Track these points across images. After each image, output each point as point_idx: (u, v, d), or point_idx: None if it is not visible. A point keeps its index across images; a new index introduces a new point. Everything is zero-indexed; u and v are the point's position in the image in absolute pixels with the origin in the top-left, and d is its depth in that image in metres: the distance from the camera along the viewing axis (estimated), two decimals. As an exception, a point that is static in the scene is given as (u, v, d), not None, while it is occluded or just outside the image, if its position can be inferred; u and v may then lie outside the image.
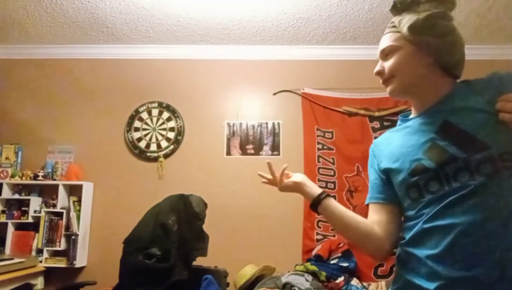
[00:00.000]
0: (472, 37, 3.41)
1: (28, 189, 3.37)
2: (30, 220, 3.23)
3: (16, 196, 3.32)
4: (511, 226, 0.88)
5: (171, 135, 3.54)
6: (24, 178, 3.36)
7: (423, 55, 1.04)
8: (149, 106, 3.60)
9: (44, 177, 3.36)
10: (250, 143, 3.52)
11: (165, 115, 3.58)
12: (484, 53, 3.59)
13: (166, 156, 3.51)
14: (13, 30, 3.34)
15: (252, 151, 3.50)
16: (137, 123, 3.56)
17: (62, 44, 3.59)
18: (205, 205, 2.53)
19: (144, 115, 3.58)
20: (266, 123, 3.55)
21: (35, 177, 3.34)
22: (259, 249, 3.31)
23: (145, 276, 2.19)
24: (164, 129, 3.56)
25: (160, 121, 3.57)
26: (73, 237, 3.21)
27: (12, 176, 3.37)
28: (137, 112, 3.58)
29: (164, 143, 3.53)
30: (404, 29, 1.04)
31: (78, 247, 3.20)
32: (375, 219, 1.11)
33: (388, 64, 1.08)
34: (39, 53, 3.66)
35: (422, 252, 0.96)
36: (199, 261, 2.39)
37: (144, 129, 3.56)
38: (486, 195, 0.90)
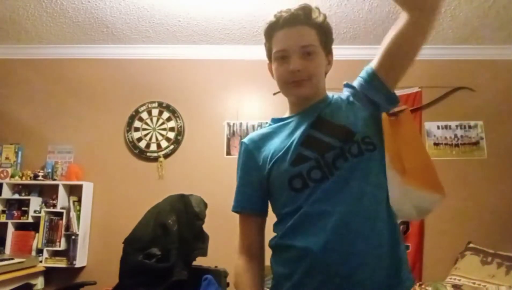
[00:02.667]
0: (472, 37, 3.41)
1: (28, 189, 3.37)
2: (30, 220, 3.24)
3: (16, 196, 3.33)
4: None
5: (171, 135, 3.54)
6: (24, 178, 3.36)
7: (325, 59, 1.08)
8: (149, 106, 3.60)
9: (44, 177, 3.36)
10: (250, 143, 3.52)
11: (165, 115, 3.58)
12: (484, 53, 3.59)
13: (166, 156, 3.51)
14: (13, 30, 3.34)
15: (252, 151, 3.50)
16: (137, 123, 3.56)
17: (62, 44, 3.59)
18: (205, 205, 2.54)
19: (144, 115, 3.58)
20: (266, 123, 3.54)
21: (35, 177, 3.34)
22: (259, 249, 3.30)
23: (145, 276, 2.19)
24: (164, 129, 3.56)
25: (160, 121, 3.57)
26: (73, 237, 3.21)
27: (12, 176, 3.37)
28: (137, 112, 3.58)
29: (164, 143, 3.53)
30: (318, 30, 1.04)
31: (78, 247, 3.20)
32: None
33: (308, 65, 1.02)
34: (39, 53, 3.66)
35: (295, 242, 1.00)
36: (199, 261, 2.39)
37: (144, 129, 3.56)
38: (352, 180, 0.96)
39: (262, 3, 2.91)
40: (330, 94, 1.12)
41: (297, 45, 1.02)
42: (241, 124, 3.55)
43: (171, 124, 3.56)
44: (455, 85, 3.55)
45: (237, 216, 1.19)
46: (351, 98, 1.08)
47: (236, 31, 3.36)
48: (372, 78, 1.02)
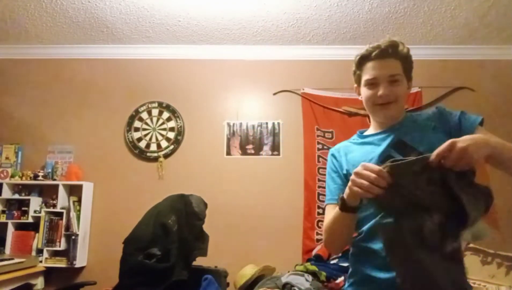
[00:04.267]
0: (472, 37, 3.41)
1: (28, 189, 3.37)
2: (30, 220, 3.24)
3: (16, 196, 3.33)
4: None
5: (171, 135, 3.54)
6: (24, 178, 3.36)
7: (406, 85, 1.26)
8: (149, 106, 3.60)
9: (44, 177, 3.36)
10: (250, 143, 3.52)
11: (165, 115, 3.58)
12: (484, 53, 3.59)
13: (166, 156, 3.51)
14: (13, 30, 3.34)
15: (252, 151, 3.50)
16: (137, 123, 3.56)
17: (62, 44, 3.59)
18: (205, 205, 2.53)
19: (144, 115, 3.58)
20: (266, 123, 3.55)
21: (35, 177, 3.34)
22: (259, 249, 3.31)
23: (145, 276, 2.19)
24: (164, 129, 3.56)
25: (160, 121, 3.57)
26: (73, 237, 3.21)
27: (12, 176, 3.37)
28: (137, 112, 3.58)
29: (164, 143, 3.53)
30: (402, 62, 1.24)
31: (78, 247, 3.20)
32: None
33: (395, 90, 1.21)
34: (39, 53, 3.66)
35: (377, 245, 1.10)
36: (199, 261, 2.39)
37: (144, 129, 3.56)
38: None
39: (262, 3, 2.91)
40: (412, 113, 1.29)
41: (386, 75, 1.21)
42: (241, 124, 3.55)
43: (171, 124, 3.56)
44: (455, 85, 3.56)
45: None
46: (433, 125, 1.20)
47: (236, 31, 3.36)
48: (469, 134, 1.08)
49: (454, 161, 0.91)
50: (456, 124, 1.16)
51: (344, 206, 1.07)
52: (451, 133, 1.14)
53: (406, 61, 1.25)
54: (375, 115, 1.28)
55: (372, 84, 1.22)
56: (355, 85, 1.34)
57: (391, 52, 1.22)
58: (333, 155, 1.33)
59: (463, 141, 0.92)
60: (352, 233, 1.19)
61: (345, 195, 1.06)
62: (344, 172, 1.25)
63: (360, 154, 1.23)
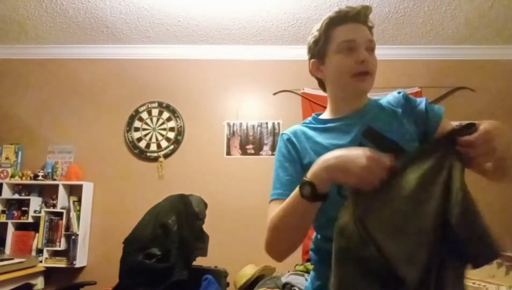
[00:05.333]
0: (472, 37, 3.41)
1: (28, 189, 3.37)
2: (30, 220, 3.23)
3: (16, 196, 3.32)
4: None
5: (171, 135, 3.54)
6: (24, 178, 3.36)
7: None
8: (149, 106, 3.60)
9: (44, 177, 3.36)
10: (250, 143, 3.52)
11: (165, 115, 3.58)
12: (485, 53, 3.59)
13: (166, 156, 3.51)
14: (13, 30, 3.34)
15: (252, 151, 3.50)
16: (137, 123, 3.56)
17: (62, 44, 3.59)
18: (205, 205, 2.53)
19: (144, 115, 3.58)
20: (266, 123, 3.55)
21: (35, 177, 3.34)
22: (259, 249, 3.28)
23: (145, 276, 2.19)
24: (164, 129, 3.56)
25: (160, 121, 3.57)
26: (73, 237, 3.21)
27: (12, 176, 3.37)
28: (137, 112, 3.58)
29: (164, 143, 3.53)
30: (372, 34, 1.09)
31: (78, 247, 3.20)
32: None
33: (372, 60, 1.04)
34: (39, 53, 3.66)
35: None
36: (199, 261, 2.39)
37: (144, 129, 3.56)
38: None
39: (262, 3, 2.91)
40: (373, 98, 1.12)
41: (365, 38, 1.04)
42: (241, 124, 3.55)
43: (171, 124, 3.56)
44: (455, 85, 3.56)
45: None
46: (400, 111, 1.05)
47: (236, 31, 3.36)
48: (435, 126, 1.02)
49: (482, 152, 0.81)
50: (422, 113, 1.04)
51: (313, 193, 0.84)
52: (417, 122, 1.03)
53: (372, 34, 1.09)
54: (347, 88, 1.06)
55: (349, 48, 1.02)
56: (313, 60, 1.12)
57: (365, 19, 1.08)
58: (289, 140, 1.08)
59: (493, 129, 0.81)
60: (308, 229, 0.93)
61: (314, 180, 0.84)
62: (305, 162, 1.02)
63: (325, 142, 1.03)
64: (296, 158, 1.05)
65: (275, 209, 0.96)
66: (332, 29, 1.06)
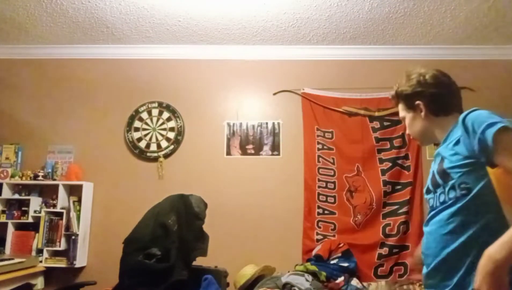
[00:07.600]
0: (472, 37, 3.41)
1: (28, 189, 3.37)
2: (30, 220, 3.23)
3: (16, 196, 3.32)
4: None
5: (171, 135, 3.54)
6: (24, 178, 3.36)
7: (418, 114, 1.39)
8: (149, 106, 3.60)
9: (44, 177, 3.36)
10: (250, 143, 3.52)
11: (165, 115, 3.58)
12: (485, 53, 3.59)
13: (166, 156, 3.51)
14: (13, 30, 3.34)
15: (252, 151, 3.50)
16: (137, 123, 3.56)
17: (62, 44, 3.59)
18: (205, 205, 2.53)
19: (144, 115, 3.58)
20: (266, 123, 3.55)
21: (35, 177, 3.34)
22: (259, 249, 3.31)
23: (145, 276, 2.19)
24: (164, 129, 3.56)
25: (160, 121, 3.57)
26: (73, 237, 3.21)
27: (12, 176, 3.37)
28: (137, 112, 3.58)
29: (164, 143, 3.53)
30: (402, 100, 1.44)
31: (78, 247, 3.20)
32: None
33: (409, 130, 1.47)
34: (39, 53, 3.66)
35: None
36: (199, 261, 2.39)
37: (144, 129, 3.56)
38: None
39: (262, 3, 2.91)
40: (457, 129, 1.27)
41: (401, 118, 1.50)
42: (241, 124, 3.55)
43: (171, 124, 3.56)
44: (455, 85, 3.55)
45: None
46: (459, 141, 1.22)
47: (236, 31, 3.36)
48: (488, 155, 1.13)
49: None
50: (475, 148, 1.14)
51: None
52: (469, 155, 1.18)
53: (401, 97, 1.43)
54: None
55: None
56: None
57: (395, 102, 1.48)
58: None
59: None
60: None
61: None
62: None
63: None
64: None
65: None
66: None
